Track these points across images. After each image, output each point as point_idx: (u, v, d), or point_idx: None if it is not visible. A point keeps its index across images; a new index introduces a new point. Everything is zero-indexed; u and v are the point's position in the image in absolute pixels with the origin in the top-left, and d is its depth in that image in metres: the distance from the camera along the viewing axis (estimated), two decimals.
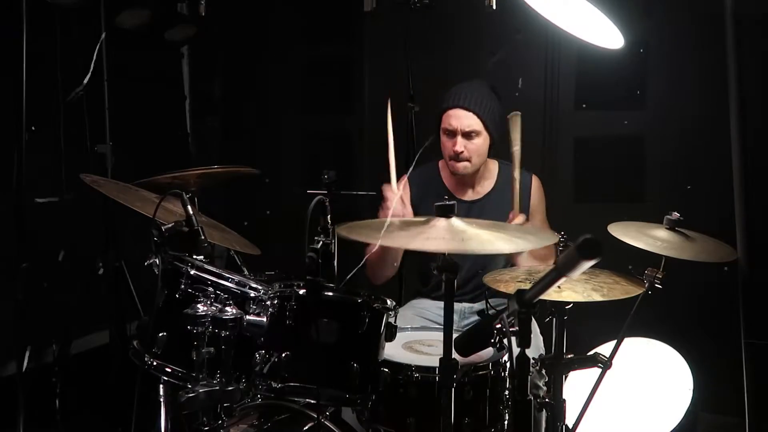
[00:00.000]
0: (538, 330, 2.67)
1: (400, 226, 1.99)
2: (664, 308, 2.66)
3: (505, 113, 2.70)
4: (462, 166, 2.72)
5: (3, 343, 3.06)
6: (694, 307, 3.47)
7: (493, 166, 2.87)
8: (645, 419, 2.97)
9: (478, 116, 2.67)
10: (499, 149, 2.94)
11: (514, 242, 1.93)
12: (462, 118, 2.68)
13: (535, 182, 2.84)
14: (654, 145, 3.70)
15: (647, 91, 3.68)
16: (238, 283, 2.08)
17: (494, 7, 3.14)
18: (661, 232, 2.26)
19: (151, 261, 2.11)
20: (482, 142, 2.71)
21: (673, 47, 3.59)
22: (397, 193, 2.53)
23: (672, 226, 2.26)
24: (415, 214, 2.72)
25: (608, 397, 2.80)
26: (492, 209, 2.73)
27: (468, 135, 2.68)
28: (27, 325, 2.88)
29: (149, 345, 2.05)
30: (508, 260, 2.74)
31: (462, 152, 2.69)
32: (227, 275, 2.09)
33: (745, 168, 2.32)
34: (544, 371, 2.21)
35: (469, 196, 2.84)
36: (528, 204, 2.79)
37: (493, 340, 1.77)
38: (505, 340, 1.68)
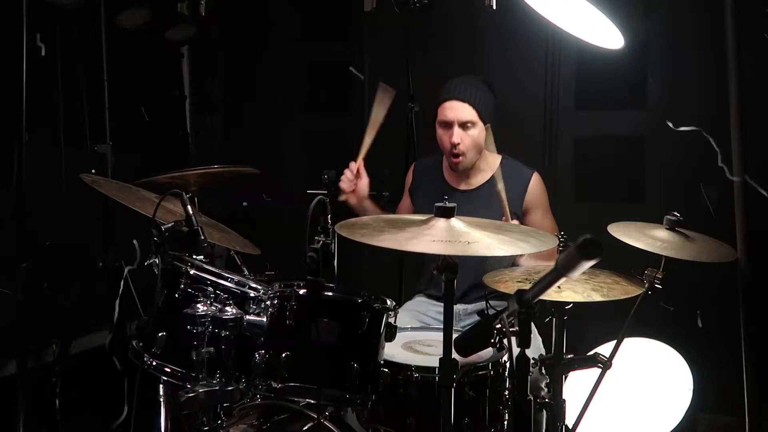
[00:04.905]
0: (536, 331, 2.67)
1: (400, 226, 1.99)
2: (664, 308, 2.66)
3: (498, 106, 2.81)
4: (460, 161, 2.79)
5: (3, 343, 3.06)
6: (694, 307, 3.47)
7: (494, 159, 2.88)
8: (645, 419, 2.97)
9: (473, 106, 2.74)
10: (499, 149, 2.95)
11: (516, 245, 1.94)
12: (457, 110, 2.74)
13: (535, 179, 2.85)
14: (654, 145, 3.70)
15: (647, 91, 3.68)
16: (238, 283, 2.08)
17: (494, 7, 3.15)
18: (661, 232, 2.25)
19: (151, 261, 2.11)
20: (478, 133, 2.76)
21: (674, 47, 3.59)
22: (354, 168, 2.85)
23: (672, 226, 2.26)
24: (413, 202, 2.99)
25: (608, 397, 2.80)
26: (483, 201, 2.77)
27: (464, 125, 2.75)
28: (27, 325, 2.87)
29: (149, 345, 2.05)
30: (512, 260, 2.75)
31: (459, 143, 2.75)
32: (227, 275, 2.09)
33: (745, 168, 2.31)
34: (544, 371, 2.21)
35: (463, 186, 2.88)
36: (522, 201, 2.81)
37: (493, 340, 1.78)
38: (505, 340, 1.69)
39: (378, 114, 2.81)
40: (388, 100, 2.82)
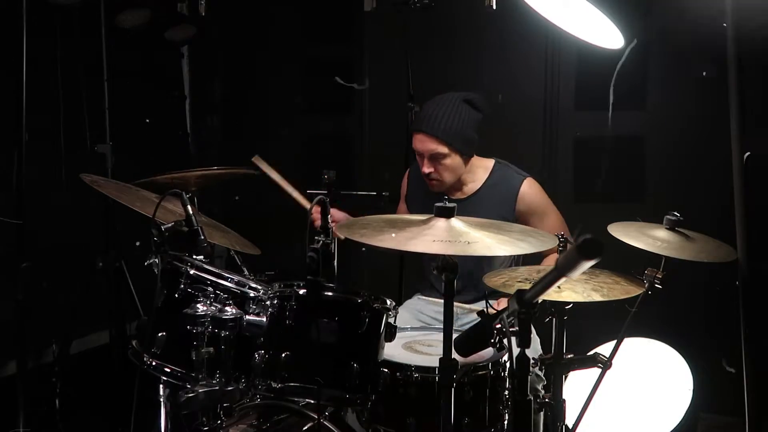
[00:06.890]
0: (534, 332, 2.67)
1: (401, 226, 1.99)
2: (664, 308, 2.66)
3: (480, 124, 2.71)
4: (435, 184, 2.75)
5: (3, 343, 3.06)
6: (694, 307, 3.47)
7: (487, 164, 2.85)
8: (645, 419, 2.97)
9: (440, 140, 2.66)
10: (499, 149, 2.95)
11: (516, 245, 1.94)
12: (425, 143, 2.69)
13: (526, 185, 2.78)
14: (654, 145, 3.70)
15: (647, 91, 3.68)
16: (237, 283, 2.08)
17: (494, 7, 3.15)
18: (661, 232, 2.26)
19: (151, 261, 2.11)
20: (451, 161, 2.71)
21: (673, 47, 3.59)
22: (317, 216, 2.28)
23: (672, 226, 2.26)
24: (408, 209, 2.96)
25: (608, 397, 2.80)
26: (475, 209, 2.72)
27: (434, 157, 2.69)
28: (27, 325, 2.87)
29: (148, 345, 2.05)
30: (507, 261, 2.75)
31: (431, 172, 2.71)
32: (227, 275, 2.09)
33: (745, 168, 2.32)
34: (543, 372, 2.22)
35: (456, 195, 2.82)
36: (513, 208, 2.76)
37: (493, 340, 1.78)
38: (505, 340, 1.68)
39: (275, 174, 2.89)
40: (263, 163, 2.90)
